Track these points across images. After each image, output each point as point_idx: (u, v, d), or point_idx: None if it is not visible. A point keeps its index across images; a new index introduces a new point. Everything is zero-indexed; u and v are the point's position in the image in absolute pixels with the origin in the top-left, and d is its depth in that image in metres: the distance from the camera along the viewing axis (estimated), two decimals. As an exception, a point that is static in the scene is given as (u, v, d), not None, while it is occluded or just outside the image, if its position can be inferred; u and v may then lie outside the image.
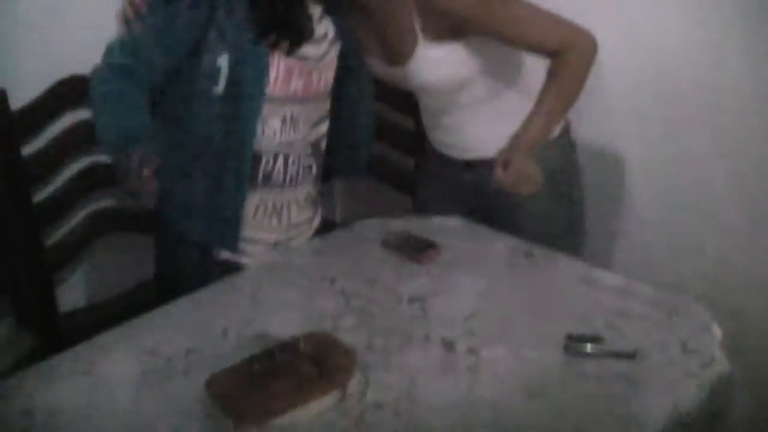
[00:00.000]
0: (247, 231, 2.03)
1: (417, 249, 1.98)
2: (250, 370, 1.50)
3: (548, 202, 2.14)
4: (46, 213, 2.32)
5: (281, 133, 1.97)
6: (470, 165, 2.21)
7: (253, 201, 2.00)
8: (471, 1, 1.91)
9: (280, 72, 1.92)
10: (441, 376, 1.56)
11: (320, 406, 1.47)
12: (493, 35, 1.96)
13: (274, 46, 1.89)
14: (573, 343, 1.61)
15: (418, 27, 1.98)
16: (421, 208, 2.42)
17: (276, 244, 2.09)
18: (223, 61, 1.86)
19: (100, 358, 1.65)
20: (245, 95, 1.89)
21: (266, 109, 1.93)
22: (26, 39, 2.20)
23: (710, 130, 2.30)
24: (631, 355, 1.59)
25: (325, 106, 2.08)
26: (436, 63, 2.01)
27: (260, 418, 1.43)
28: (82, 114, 2.28)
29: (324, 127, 2.11)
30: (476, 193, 2.20)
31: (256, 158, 1.97)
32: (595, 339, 1.62)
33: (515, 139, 1.94)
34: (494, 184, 1.89)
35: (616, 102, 2.46)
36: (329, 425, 1.44)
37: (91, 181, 2.33)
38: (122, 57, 1.85)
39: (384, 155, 2.86)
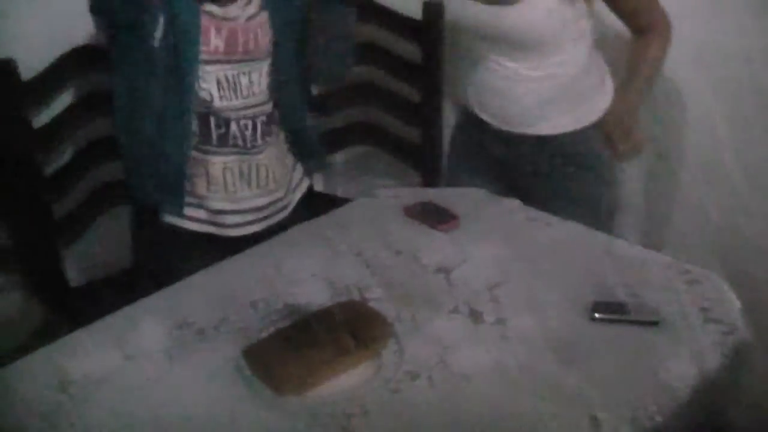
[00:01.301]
0: (221, 203, 2.05)
1: (440, 219, 1.99)
2: (288, 339, 1.51)
3: (591, 186, 2.15)
4: (56, 185, 2.32)
5: (220, 97, 1.95)
6: (508, 140, 2.17)
7: (216, 166, 2.01)
8: None
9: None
10: (471, 345, 1.58)
11: (358, 375, 1.49)
12: None
13: None
14: (599, 311, 1.64)
15: None
16: (449, 182, 2.41)
17: (261, 209, 2.10)
18: (161, 18, 1.85)
19: (131, 330, 1.65)
20: (179, 49, 1.88)
21: (198, 69, 1.92)
22: (34, 8, 2.19)
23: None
24: (655, 323, 1.62)
25: (262, 74, 2.03)
26: (546, 12, 1.96)
27: (300, 386, 1.45)
28: (91, 84, 2.27)
29: (270, 103, 2.07)
30: (511, 171, 2.21)
31: (204, 119, 1.97)
32: (619, 307, 1.65)
33: (622, 106, 1.96)
34: (618, 154, 1.90)
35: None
36: (368, 394, 1.45)
37: (100, 153, 2.32)
38: None
39: (388, 126, 2.87)
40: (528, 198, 2.11)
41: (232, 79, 1.96)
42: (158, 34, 1.85)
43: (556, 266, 1.83)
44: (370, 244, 1.92)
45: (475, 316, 1.66)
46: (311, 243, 1.94)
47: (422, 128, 2.78)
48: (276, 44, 2.01)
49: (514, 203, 2.08)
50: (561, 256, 1.87)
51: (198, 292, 1.78)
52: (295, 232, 2.03)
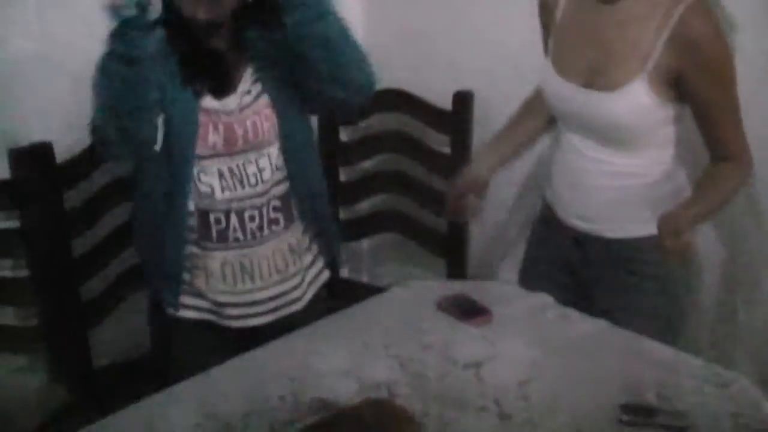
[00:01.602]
0: (223, 296, 2.03)
1: (472, 313, 1.98)
2: (315, 437, 1.50)
3: (654, 298, 2.07)
4: (85, 266, 2.34)
5: (222, 189, 1.95)
6: (577, 239, 2.12)
7: (215, 261, 2.00)
8: (718, 52, 1.86)
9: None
10: (499, 446, 1.57)
11: (385, 475, 1.48)
12: (703, 103, 1.90)
13: (199, 93, 1.90)
14: (627, 414, 1.62)
15: (654, 54, 1.87)
16: (523, 272, 2.34)
17: (266, 302, 2.07)
18: (160, 119, 1.86)
19: (159, 417, 1.64)
20: (176, 151, 1.89)
21: (197, 165, 1.92)
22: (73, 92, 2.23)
23: None
24: (684, 428, 1.60)
25: (271, 159, 2.01)
26: (639, 106, 1.90)
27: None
28: (120, 168, 2.30)
29: (284, 185, 2.05)
30: (579, 275, 2.16)
31: (203, 216, 1.97)
32: (648, 410, 1.63)
33: (683, 211, 1.88)
34: (662, 253, 1.82)
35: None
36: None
37: (127, 237, 2.33)
38: None
39: (415, 214, 2.88)
40: (593, 305, 2.08)
41: (237, 170, 1.95)
42: (159, 139, 1.86)
43: (587, 365, 1.81)
44: (400, 337, 1.91)
45: (504, 415, 1.64)
46: (341, 335, 1.93)
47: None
48: (284, 120, 2.00)
49: (547, 299, 2.07)
50: (592, 355, 1.85)
51: (227, 384, 1.76)
52: (325, 323, 2.01)
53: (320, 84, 1.91)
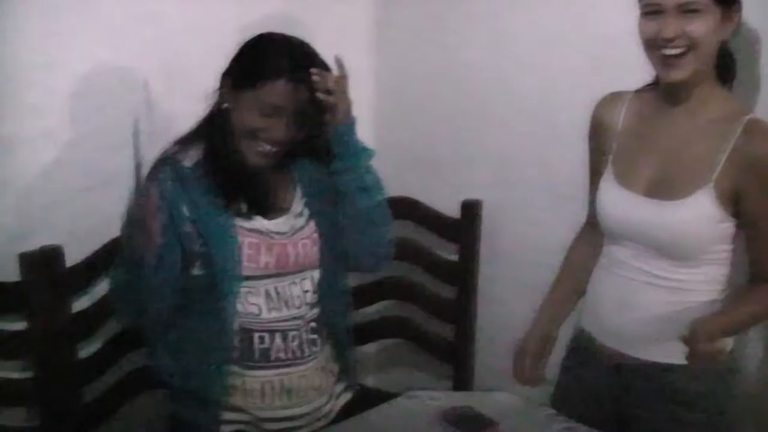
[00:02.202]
0: (262, 412, 2.02)
1: (478, 425, 1.96)
2: None
3: (688, 428, 1.98)
4: (87, 370, 2.33)
5: (268, 309, 1.98)
6: (618, 366, 2.03)
7: (256, 380, 2.00)
8: None
9: (245, 248, 1.94)
10: None
11: None
12: (756, 220, 1.88)
13: (237, 213, 1.94)
14: None
15: (717, 167, 1.85)
16: (557, 399, 2.21)
17: (302, 417, 2.07)
18: (198, 247, 1.90)
19: None
20: (219, 274, 1.91)
21: (244, 285, 1.94)
22: (83, 199, 2.27)
23: None
24: None
25: (313, 281, 2.06)
26: (701, 218, 1.87)
27: None
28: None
29: (318, 309, 2.09)
30: (618, 404, 2.06)
31: (247, 336, 1.98)
32: None
33: (717, 317, 1.86)
34: (690, 357, 1.78)
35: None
36: None
37: (129, 342, 2.33)
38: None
39: (423, 322, 2.87)
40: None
41: (282, 291, 1.98)
42: (198, 264, 1.90)
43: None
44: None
45: None
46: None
47: (456, 325, 2.79)
48: (327, 246, 2.05)
49: (552, 412, 2.05)
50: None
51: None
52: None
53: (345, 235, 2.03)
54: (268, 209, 1.99)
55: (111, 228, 2.06)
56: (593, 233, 2.13)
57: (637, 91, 2.05)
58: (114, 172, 2.15)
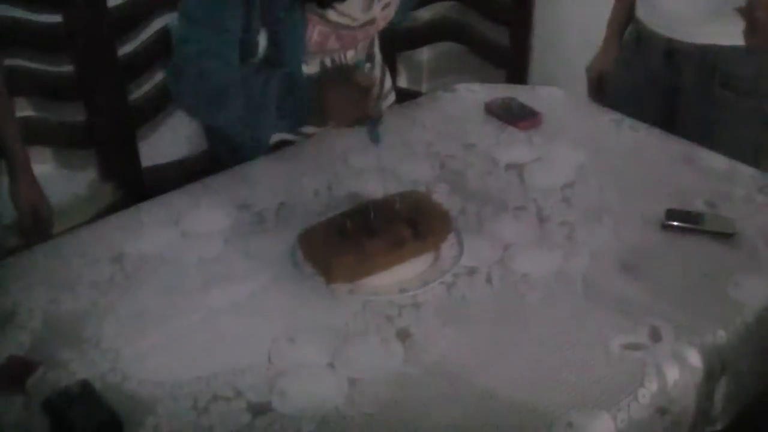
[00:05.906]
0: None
1: (520, 116, 1.92)
2: (344, 226, 1.47)
3: (743, 116, 1.96)
4: (130, 70, 2.32)
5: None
6: (670, 53, 2.01)
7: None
8: None
9: (314, 36, 1.79)
10: (534, 246, 1.53)
11: (413, 267, 1.45)
12: None
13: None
14: (672, 219, 1.57)
15: None
16: (614, 95, 2.23)
17: None
18: (261, 39, 1.75)
19: (190, 208, 1.64)
20: (284, 58, 1.77)
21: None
22: None
23: None
24: (730, 235, 1.54)
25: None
26: None
27: (351, 275, 1.42)
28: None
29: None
30: (671, 94, 2.05)
31: None
32: (694, 216, 1.58)
33: None
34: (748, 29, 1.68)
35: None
36: (421, 286, 1.41)
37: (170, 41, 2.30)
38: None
39: (476, 24, 2.79)
40: (684, 127, 1.99)
41: (338, 58, 1.86)
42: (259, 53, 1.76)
43: (634, 171, 1.76)
44: (443, 137, 1.87)
45: (542, 216, 1.60)
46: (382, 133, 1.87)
47: (511, 28, 2.70)
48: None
49: (598, 106, 1.99)
50: (641, 162, 1.79)
51: (262, 176, 1.75)
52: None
53: None
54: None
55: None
56: None
57: None
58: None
